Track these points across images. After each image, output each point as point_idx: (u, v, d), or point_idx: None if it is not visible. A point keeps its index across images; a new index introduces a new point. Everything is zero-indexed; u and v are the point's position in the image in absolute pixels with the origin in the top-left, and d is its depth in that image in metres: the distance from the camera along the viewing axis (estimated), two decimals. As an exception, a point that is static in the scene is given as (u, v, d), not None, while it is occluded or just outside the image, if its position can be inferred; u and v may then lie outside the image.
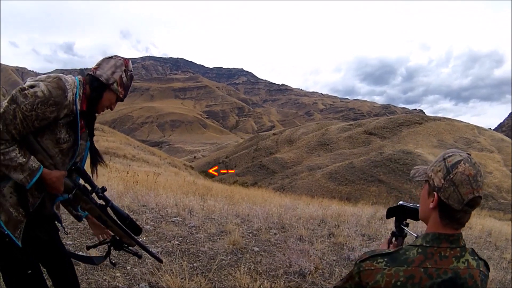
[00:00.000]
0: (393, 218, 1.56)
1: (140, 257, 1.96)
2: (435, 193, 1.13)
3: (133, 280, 2.90)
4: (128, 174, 9.75)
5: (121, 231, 1.78)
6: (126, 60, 1.79)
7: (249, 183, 44.56)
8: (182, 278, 2.85)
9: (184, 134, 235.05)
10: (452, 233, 1.12)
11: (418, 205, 1.46)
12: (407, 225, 1.53)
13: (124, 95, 1.81)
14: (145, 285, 2.81)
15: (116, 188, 6.93)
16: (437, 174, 1.13)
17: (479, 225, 8.00)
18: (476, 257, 1.16)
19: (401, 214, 1.52)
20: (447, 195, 1.09)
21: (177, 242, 4.04)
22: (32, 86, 1.51)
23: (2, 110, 1.45)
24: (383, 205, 16.77)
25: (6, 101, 1.48)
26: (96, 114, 1.81)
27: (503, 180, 39.95)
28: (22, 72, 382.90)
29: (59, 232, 1.89)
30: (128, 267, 3.15)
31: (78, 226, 3.96)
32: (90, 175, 1.80)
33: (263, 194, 13.10)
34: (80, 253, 3.27)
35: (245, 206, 7.05)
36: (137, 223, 4.34)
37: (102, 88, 1.73)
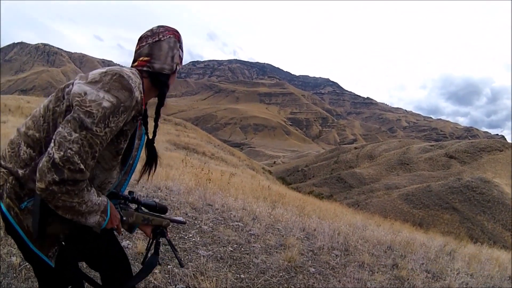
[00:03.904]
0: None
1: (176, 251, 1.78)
2: None
3: (171, 280, 2.78)
4: (203, 171, 9.93)
5: (159, 218, 1.65)
6: (176, 34, 1.52)
7: (325, 194, 43.94)
8: (223, 289, 2.65)
9: (266, 139, 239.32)
10: None
11: None
12: None
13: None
14: (182, 287, 2.66)
15: (187, 183, 7.05)
16: None
17: None
18: None
19: None
20: None
21: (231, 249, 3.86)
22: (83, 94, 1.21)
23: (75, 146, 1.14)
24: (453, 236, 15.33)
25: (70, 129, 1.16)
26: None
27: None
28: (108, 65, 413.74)
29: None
30: (169, 266, 3.05)
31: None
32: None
33: (335, 208, 12.53)
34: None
35: (314, 220, 6.69)
36: (196, 222, 4.27)
37: (168, 78, 1.51)
